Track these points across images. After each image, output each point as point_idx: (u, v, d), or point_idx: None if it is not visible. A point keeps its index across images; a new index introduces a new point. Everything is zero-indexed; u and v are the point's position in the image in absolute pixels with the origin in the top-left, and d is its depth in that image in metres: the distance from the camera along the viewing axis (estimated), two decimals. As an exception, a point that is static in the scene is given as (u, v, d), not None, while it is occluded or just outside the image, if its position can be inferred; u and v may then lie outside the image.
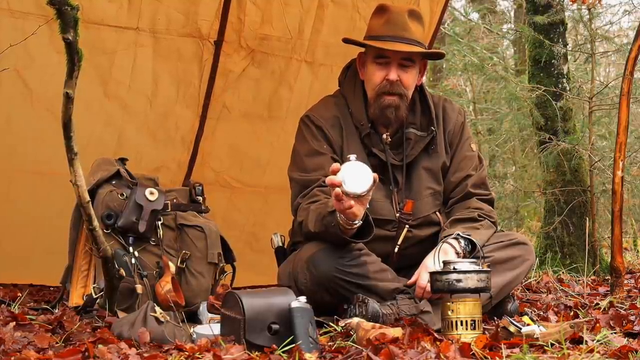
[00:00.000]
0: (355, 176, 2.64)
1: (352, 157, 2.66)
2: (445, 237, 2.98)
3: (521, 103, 6.26)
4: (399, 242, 3.09)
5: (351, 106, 3.16)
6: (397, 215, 3.11)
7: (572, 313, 3.09)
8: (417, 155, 3.16)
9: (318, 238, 2.93)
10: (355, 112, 3.15)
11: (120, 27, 3.87)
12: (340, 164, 2.79)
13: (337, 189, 2.63)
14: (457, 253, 2.92)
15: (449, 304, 2.57)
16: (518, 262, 3.09)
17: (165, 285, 2.97)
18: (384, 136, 3.12)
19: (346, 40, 3.21)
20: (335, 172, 2.66)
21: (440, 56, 3.40)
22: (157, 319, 2.53)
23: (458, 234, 2.96)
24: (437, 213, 3.18)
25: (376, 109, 3.09)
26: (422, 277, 2.91)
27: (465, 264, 2.63)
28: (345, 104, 3.19)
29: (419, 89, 3.21)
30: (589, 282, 4.36)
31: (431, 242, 3.05)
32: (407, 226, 3.09)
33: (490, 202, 3.22)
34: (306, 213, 2.98)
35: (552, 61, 5.73)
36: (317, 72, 4.31)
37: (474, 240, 2.94)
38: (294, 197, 3.10)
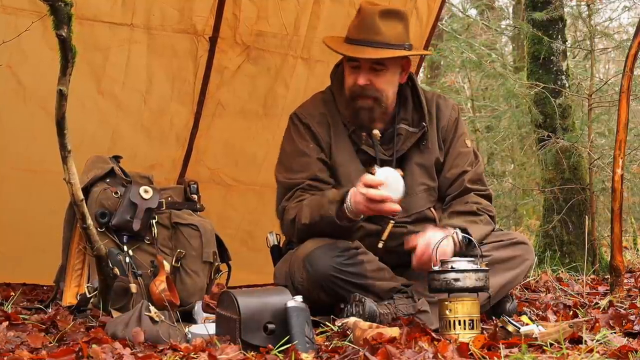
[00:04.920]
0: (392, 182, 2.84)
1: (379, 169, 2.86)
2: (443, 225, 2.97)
3: (520, 100, 6.24)
4: (383, 237, 3.05)
5: (338, 104, 3.16)
6: None
7: (571, 312, 3.07)
8: (408, 150, 3.15)
9: (309, 230, 2.95)
10: (342, 110, 3.14)
11: (114, 23, 3.86)
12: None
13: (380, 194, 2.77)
14: (455, 244, 2.91)
15: (446, 303, 2.56)
16: (517, 262, 3.07)
17: (160, 285, 2.94)
18: (375, 132, 3.11)
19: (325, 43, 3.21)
20: (370, 185, 2.79)
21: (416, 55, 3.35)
22: (151, 318, 2.52)
23: (457, 229, 2.94)
24: (432, 209, 3.16)
25: (351, 111, 3.10)
26: (421, 245, 2.87)
27: (463, 263, 2.61)
28: (333, 100, 3.18)
29: (411, 85, 3.20)
30: (589, 281, 4.35)
31: None
32: (391, 221, 3.05)
33: (488, 197, 3.21)
34: (298, 208, 3.00)
35: (551, 58, 5.71)
36: (313, 69, 4.29)
37: (472, 239, 2.91)
38: (279, 200, 3.13)
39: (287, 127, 3.21)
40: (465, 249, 2.92)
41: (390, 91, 3.10)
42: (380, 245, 3.01)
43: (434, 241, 2.79)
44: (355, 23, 3.07)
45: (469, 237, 2.90)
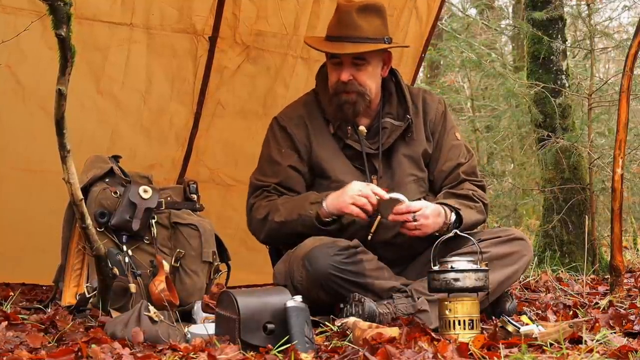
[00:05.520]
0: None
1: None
2: (439, 204, 3.03)
3: (519, 100, 6.23)
4: (371, 230, 3.06)
5: (323, 101, 3.19)
6: None
7: (571, 312, 3.07)
8: (394, 143, 3.17)
9: (282, 228, 3.04)
10: (327, 108, 3.16)
11: (113, 22, 3.85)
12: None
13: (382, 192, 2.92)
14: (445, 223, 2.98)
15: (446, 303, 2.55)
16: (516, 258, 3.07)
17: (159, 285, 2.94)
18: (361, 128, 3.14)
19: (306, 42, 3.26)
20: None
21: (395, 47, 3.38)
22: (151, 318, 2.52)
23: (450, 206, 3.02)
24: (423, 200, 3.16)
25: (335, 106, 3.11)
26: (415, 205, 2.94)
27: (463, 263, 2.61)
28: (315, 100, 3.22)
29: (395, 80, 3.22)
30: (588, 281, 4.34)
31: None
32: (380, 215, 3.06)
33: (482, 188, 3.24)
34: (270, 207, 3.08)
35: (551, 57, 5.70)
36: (312, 69, 4.26)
37: (462, 214, 3.00)
38: (248, 198, 3.21)
39: (267, 130, 3.26)
40: (449, 229, 2.93)
41: (373, 85, 3.12)
42: (369, 237, 3.03)
43: (428, 211, 2.93)
44: (334, 21, 3.12)
45: (459, 221, 2.98)
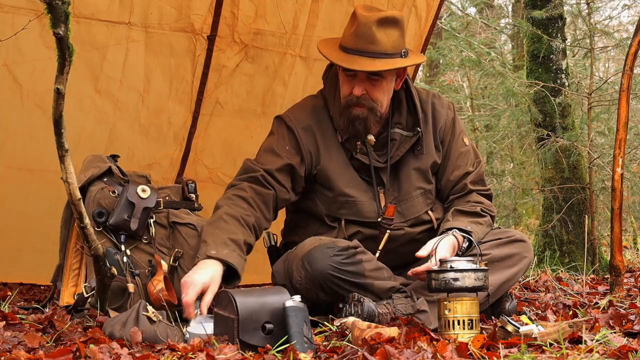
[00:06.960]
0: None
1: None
2: (450, 228, 2.95)
3: (519, 99, 6.24)
4: (380, 247, 3.05)
5: (331, 110, 3.13)
6: (379, 219, 3.07)
7: (570, 312, 3.07)
8: (403, 155, 3.12)
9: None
10: (336, 116, 3.11)
11: (111, 21, 3.84)
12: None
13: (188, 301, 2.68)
14: (458, 253, 2.91)
15: (445, 303, 2.55)
16: (516, 259, 3.06)
17: (158, 284, 2.93)
18: (369, 137, 3.08)
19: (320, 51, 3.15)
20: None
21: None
22: (149, 318, 2.51)
23: (462, 229, 2.94)
24: (429, 212, 3.14)
25: (345, 120, 3.06)
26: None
27: (462, 263, 2.60)
28: (324, 106, 3.15)
29: (405, 88, 3.16)
30: (588, 281, 4.34)
31: (423, 241, 2.99)
32: (388, 231, 3.06)
33: (489, 197, 3.21)
34: (225, 202, 2.98)
35: (551, 56, 5.70)
36: (311, 68, 4.28)
37: (473, 240, 2.89)
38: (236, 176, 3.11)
39: (271, 128, 3.18)
40: (463, 251, 2.92)
41: (385, 99, 3.06)
42: (377, 255, 3.02)
43: (448, 256, 2.80)
44: (351, 31, 2.99)
45: (469, 238, 2.90)
